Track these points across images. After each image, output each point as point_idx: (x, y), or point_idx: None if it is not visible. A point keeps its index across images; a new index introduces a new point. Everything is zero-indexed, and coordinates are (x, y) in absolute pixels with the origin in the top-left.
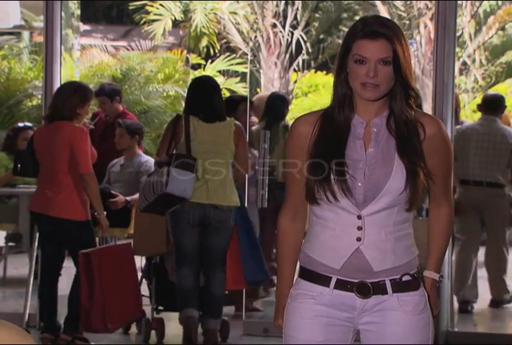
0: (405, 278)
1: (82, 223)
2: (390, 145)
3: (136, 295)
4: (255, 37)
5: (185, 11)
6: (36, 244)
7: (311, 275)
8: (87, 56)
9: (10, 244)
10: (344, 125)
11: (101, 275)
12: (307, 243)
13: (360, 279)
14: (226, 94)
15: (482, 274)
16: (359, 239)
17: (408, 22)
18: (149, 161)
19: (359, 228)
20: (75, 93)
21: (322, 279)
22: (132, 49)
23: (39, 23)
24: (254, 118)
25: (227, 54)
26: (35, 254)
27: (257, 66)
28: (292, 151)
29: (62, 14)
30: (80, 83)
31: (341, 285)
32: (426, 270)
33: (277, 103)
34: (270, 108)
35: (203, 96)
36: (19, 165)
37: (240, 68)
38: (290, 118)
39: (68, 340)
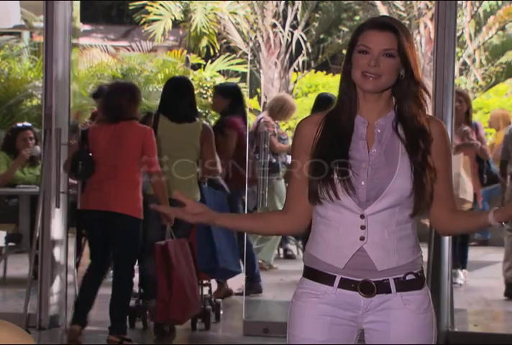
0: (409, 277)
1: (140, 221)
2: (394, 146)
3: (196, 289)
4: (255, 37)
5: (185, 11)
6: (35, 244)
7: (315, 274)
8: (87, 56)
9: (10, 244)
10: (348, 125)
11: (177, 266)
12: (311, 242)
13: (364, 278)
14: None
15: (484, 273)
16: (362, 238)
17: (408, 22)
18: None
19: (363, 228)
20: (135, 95)
21: (326, 278)
22: (133, 50)
23: (39, 23)
24: (267, 118)
25: (227, 54)
26: (35, 254)
27: (257, 66)
28: (297, 152)
29: (60, 14)
30: (134, 85)
31: (345, 284)
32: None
33: (325, 104)
34: (318, 109)
35: (174, 97)
36: (80, 166)
37: (240, 68)
38: (293, 118)
39: (117, 341)
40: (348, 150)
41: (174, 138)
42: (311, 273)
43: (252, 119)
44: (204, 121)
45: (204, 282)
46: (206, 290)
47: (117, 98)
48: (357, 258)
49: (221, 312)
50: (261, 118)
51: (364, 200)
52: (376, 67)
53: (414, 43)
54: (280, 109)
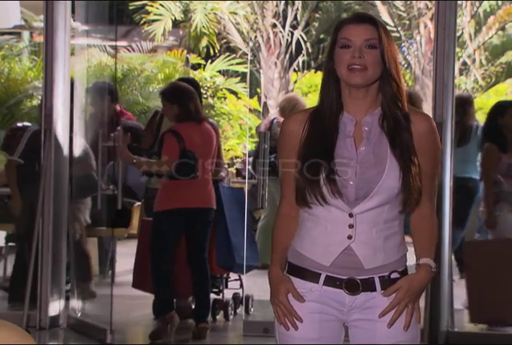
0: (394, 275)
1: None
2: (382, 144)
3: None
4: (255, 37)
5: (185, 11)
6: (35, 244)
7: (300, 272)
8: (87, 56)
9: (10, 244)
10: (333, 123)
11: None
12: (298, 239)
13: (349, 276)
14: (226, 95)
15: None
16: (350, 237)
17: (408, 22)
18: None
19: (351, 226)
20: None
21: (311, 276)
22: (133, 50)
23: (39, 23)
24: (280, 119)
25: (227, 54)
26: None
27: (257, 66)
28: (284, 150)
29: (58, 13)
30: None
31: (330, 282)
32: (422, 258)
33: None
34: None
35: None
36: (191, 166)
37: (240, 68)
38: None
39: (207, 327)
40: (334, 149)
41: None
42: (296, 270)
43: (252, 120)
44: (210, 119)
45: (225, 275)
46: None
47: (194, 99)
48: (343, 256)
49: (252, 307)
50: (274, 119)
51: (353, 199)
52: (361, 58)
53: (393, 40)
54: (292, 109)
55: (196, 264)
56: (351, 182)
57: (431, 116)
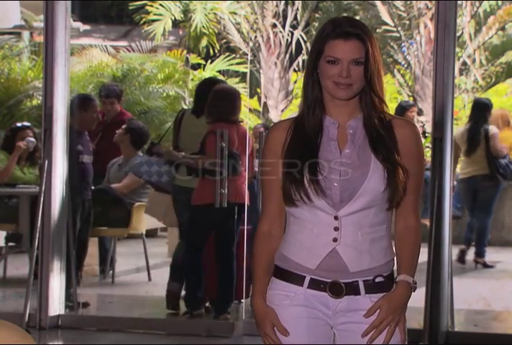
0: (378, 279)
1: None
2: (367, 147)
3: None
4: (255, 37)
5: (185, 11)
6: (35, 244)
7: (285, 274)
8: (87, 56)
9: (10, 244)
10: (316, 127)
11: None
12: (284, 243)
13: (334, 279)
14: None
15: (484, 273)
16: (335, 240)
17: (408, 22)
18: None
19: (336, 229)
20: None
21: (296, 279)
22: (133, 50)
23: (39, 23)
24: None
25: (227, 54)
26: (35, 254)
27: (257, 66)
28: (268, 157)
29: (58, 13)
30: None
31: (314, 285)
32: (400, 275)
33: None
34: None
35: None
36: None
37: (240, 68)
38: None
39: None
40: (318, 151)
41: (194, 131)
42: (281, 273)
43: (252, 120)
44: None
45: None
46: None
47: (238, 101)
48: (329, 259)
49: None
50: None
51: (338, 201)
52: (348, 77)
53: (377, 45)
54: None
55: (224, 258)
56: (335, 184)
57: (430, 116)
